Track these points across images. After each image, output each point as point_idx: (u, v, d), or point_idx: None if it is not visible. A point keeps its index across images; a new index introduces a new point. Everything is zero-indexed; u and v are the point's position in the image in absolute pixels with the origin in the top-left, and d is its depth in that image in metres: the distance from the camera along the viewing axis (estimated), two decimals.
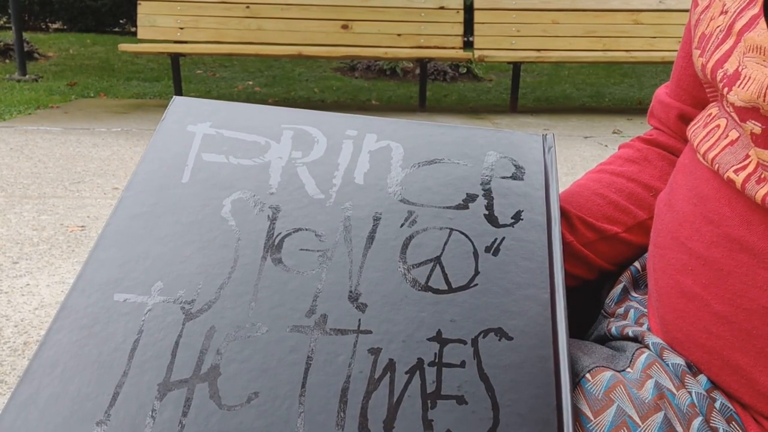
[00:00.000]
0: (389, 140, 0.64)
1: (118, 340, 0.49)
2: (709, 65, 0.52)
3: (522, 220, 0.58)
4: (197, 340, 0.49)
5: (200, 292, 0.52)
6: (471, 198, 0.59)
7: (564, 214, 0.67)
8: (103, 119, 4.50)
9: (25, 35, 6.67)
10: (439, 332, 0.50)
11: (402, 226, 0.57)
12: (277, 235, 0.56)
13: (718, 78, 0.51)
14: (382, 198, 0.59)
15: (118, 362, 0.48)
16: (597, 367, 0.51)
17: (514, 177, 0.62)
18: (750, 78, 0.47)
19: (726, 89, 0.50)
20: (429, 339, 0.50)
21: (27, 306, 1.82)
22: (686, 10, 5.13)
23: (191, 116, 0.65)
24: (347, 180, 0.60)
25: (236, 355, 0.49)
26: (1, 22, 9.41)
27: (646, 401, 0.48)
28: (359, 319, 0.51)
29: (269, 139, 0.63)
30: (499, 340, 0.50)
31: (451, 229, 0.57)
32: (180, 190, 0.59)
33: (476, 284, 0.53)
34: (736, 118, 0.50)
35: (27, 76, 5.81)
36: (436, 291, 0.53)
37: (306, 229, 0.56)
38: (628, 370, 0.51)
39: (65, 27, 9.50)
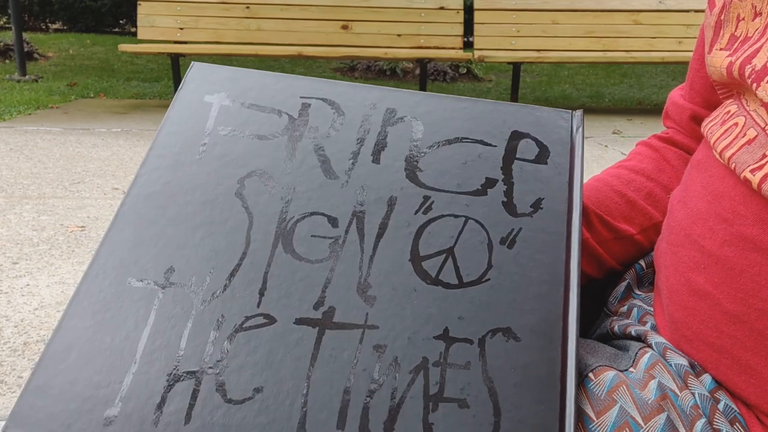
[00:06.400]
0: (409, 116, 0.61)
1: (130, 327, 0.50)
2: (738, 62, 0.52)
3: (541, 209, 0.56)
4: (206, 330, 0.49)
5: (211, 279, 0.52)
6: (490, 183, 0.57)
7: (582, 209, 0.66)
8: (103, 119, 4.50)
9: (25, 35, 6.67)
10: (446, 330, 0.49)
11: (417, 212, 0.55)
12: (290, 219, 0.55)
13: (746, 74, 0.51)
14: (398, 180, 0.57)
15: (129, 350, 0.48)
16: (600, 366, 0.51)
17: (537, 160, 0.59)
18: None
19: (754, 84, 0.50)
20: (435, 337, 0.49)
21: (27, 306, 1.81)
22: (686, 11, 5.13)
23: (208, 84, 0.64)
24: (363, 160, 0.58)
25: (243, 346, 0.48)
26: (1, 23, 9.40)
27: (649, 402, 0.48)
28: (366, 313, 0.50)
29: (286, 112, 0.62)
30: (507, 341, 0.49)
31: (467, 218, 0.55)
32: (194, 168, 0.58)
33: (488, 279, 0.52)
34: (760, 116, 0.50)
35: (27, 77, 5.81)
36: (447, 285, 0.51)
37: (319, 213, 0.55)
38: (631, 369, 0.51)
39: (65, 27, 9.49)
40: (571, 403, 0.46)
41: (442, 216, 0.55)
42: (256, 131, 0.60)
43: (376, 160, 0.58)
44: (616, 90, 6.56)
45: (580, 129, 0.61)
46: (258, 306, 0.50)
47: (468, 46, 5.35)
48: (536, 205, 0.56)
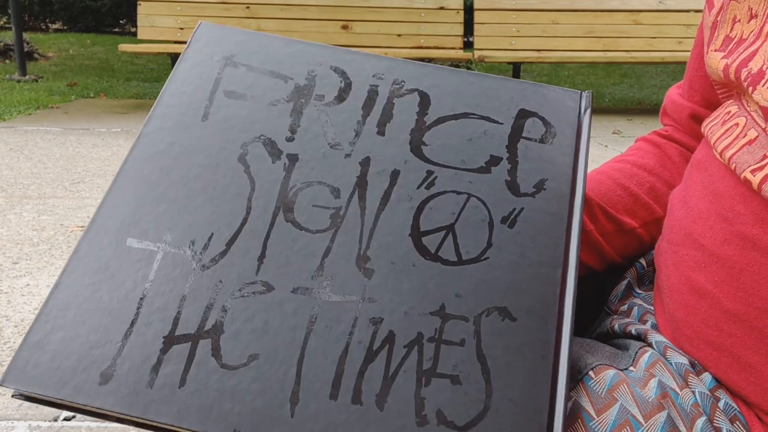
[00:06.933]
0: (417, 88, 0.61)
1: (128, 287, 0.49)
2: (734, 65, 0.52)
3: (544, 189, 0.55)
4: (204, 295, 0.49)
5: (211, 243, 0.51)
6: (494, 161, 0.56)
7: (586, 202, 0.65)
8: (103, 119, 4.50)
9: (25, 35, 6.67)
10: (442, 306, 0.49)
11: (419, 187, 0.54)
12: (292, 188, 0.54)
13: (743, 77, 0.51)
14: (402, 154, 0.56)
15: (127, 311, 0.48)
16: (600, 365, 0.51)
17: (543, 139, 0.58)
18: None
19: (750, 88, 0.50)
20: (431, 313, 0.49)
21: (27, 306, 1.82)
22: (686, 11, 5.14)
23: (215, 45, 0.62)
24: (368, 131, 0.57)
25: (240, 313, 0.48)
26: (1, 23, 9.41)
27: (650, 400, 0.48)
28: (364, 286, 0.50)
29: (293, 78, 0.61)
30: (502, 320, 0.48)
31: (469, 195, 0.54)
32: (198, 130, 0.57)
33: (487, 257, 0.51)
34: (761, 117, 0.50)
35: (27, 77, 5.81)
36: (445, 262, 0.51)
37: (321, 183, 0.54)
38: (631, 368, 0.51)
39: (65, 27, 9.50)
40: (562, 386, 0.46)
41: (445, 192, 0.54)
42: (261, 96, 0.59)
43: (381, 131, 0.57)
44: (616, 90, 6.56)
45: (588, 110, 0.60)
46: (256, 273, 0.50)
47: (468, 46, 5.35)
48: (539, 186, 0.55)
